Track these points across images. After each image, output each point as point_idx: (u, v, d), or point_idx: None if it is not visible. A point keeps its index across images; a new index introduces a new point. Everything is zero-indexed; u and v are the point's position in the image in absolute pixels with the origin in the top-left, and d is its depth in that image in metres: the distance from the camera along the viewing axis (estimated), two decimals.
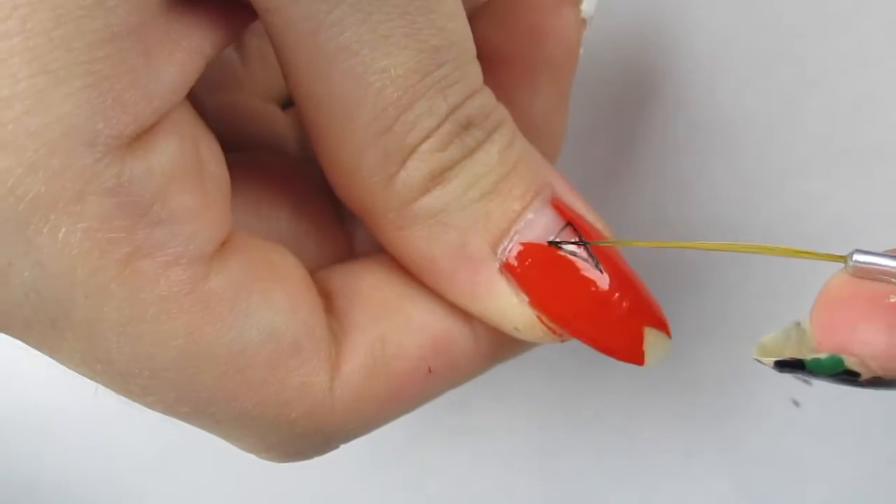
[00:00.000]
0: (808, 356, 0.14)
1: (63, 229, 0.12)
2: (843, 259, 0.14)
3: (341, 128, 0.14)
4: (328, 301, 0.16)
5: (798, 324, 0.15)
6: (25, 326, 0.13)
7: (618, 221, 0.26)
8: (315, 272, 0.16)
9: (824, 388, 0.28)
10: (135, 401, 0.14)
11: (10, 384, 0.29)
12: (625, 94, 0.26)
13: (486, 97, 0.15)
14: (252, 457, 0.16)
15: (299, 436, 0.15)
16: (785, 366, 0.14)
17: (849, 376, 0.13)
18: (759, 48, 0.25)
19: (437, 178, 0.15)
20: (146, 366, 0.13)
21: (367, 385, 0.15)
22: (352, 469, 0.29)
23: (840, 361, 0.13)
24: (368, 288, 0.16)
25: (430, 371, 0.16)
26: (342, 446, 0.17)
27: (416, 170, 0.14)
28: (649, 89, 0.26)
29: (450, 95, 0.14)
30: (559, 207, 0.16)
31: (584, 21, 0.18)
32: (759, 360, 0.14)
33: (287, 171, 0.18)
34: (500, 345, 0.17)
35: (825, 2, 0.25)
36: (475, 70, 0.15)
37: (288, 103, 0.21)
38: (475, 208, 0.15)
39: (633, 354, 0.16)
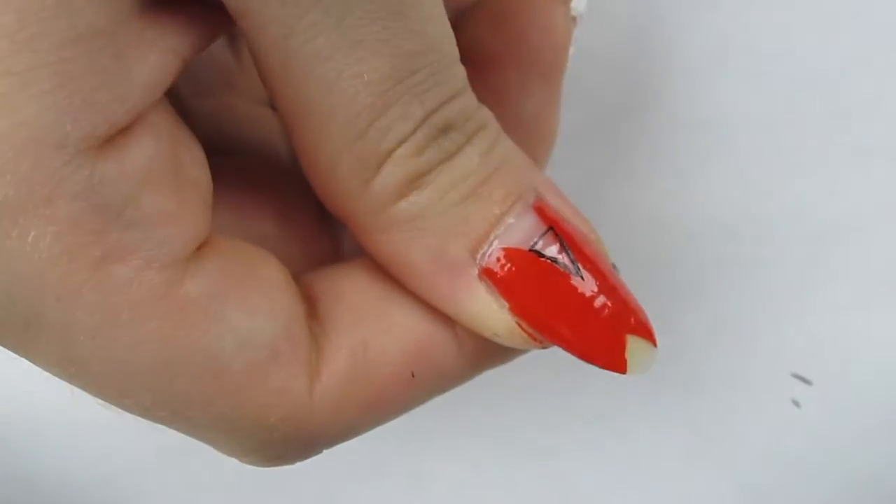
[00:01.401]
0: None
1: (32, 233, 0.12)
2: None
3: (317, 133, 0.14)
4: (311, 304, 0.16)
5: None
6: (2, 329, 0.13)
7: (616, 222, 0.26)
8: (300, 276, 0.16)
9: (824, 389, 0.28)
10: (111, 404, 0.14)
11: (8, 384, 0.29)
12: (624, 95, 0.26)
13: (467, 100, 0.15)
14: None
15: (279, 440, 0.15)
16: None
17: None
18: (759, 48, 0.25)
19: (413, 182, 0.14)
20: (120, 370, 0.13)
21: (347, 390, 0.15)
22: (350, 470, 0.29)
23: None
24: (352, 291, 0.16)
25: (412, 376, 0.16)
26: (341, 446, 0.17)
27: (391, 175, 0.14)
28: (648, 90, 0.26)
29: (426, 100, 0.14)
30: (542, 211, 0.15)
31: (574, 19, 0.18)
32: None
33: (273, 174, 0.18)
34: (484, 352, 0.16)
35: (825, 2, 0.25)
36: (456, 73, 0.14)
37: None
38: (453, 213, 0.15)
39: (614, 362, 0.15)
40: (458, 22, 0.18)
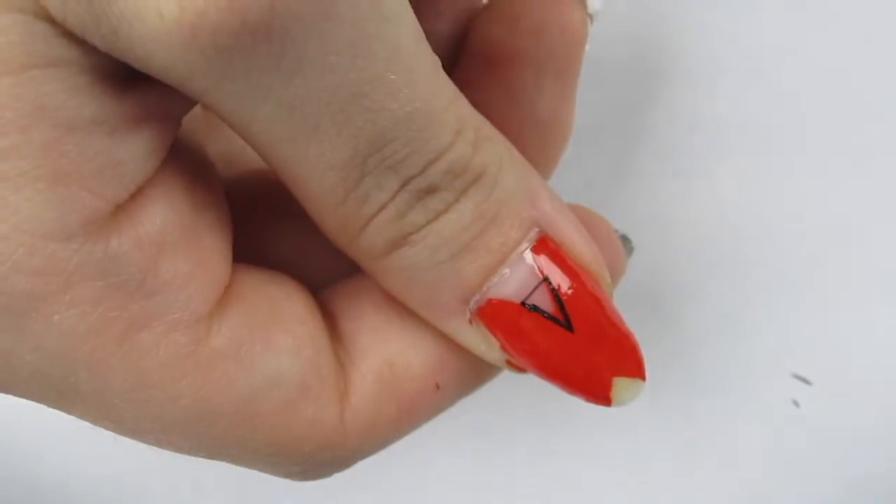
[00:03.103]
0: None
1: (56, 316, 0.12)
2: None
3: (300, 195, 0.14)
4: (332, 324, 0.16)
5: None
6: (39, 397, 0.13)
7: (617, 222, 0.26)
8: (320, 289, 0.16)
9: (824, 388, 0.28)
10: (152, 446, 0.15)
11: None
12: (624, 95, 0.26)
13: (458, 152, 0.14)
14: None
15: (315, 464, 0.15)
16: None
17: None
18: (759, 48, 0.25)
19: (399, 242, 0.14)
20: (156, 425, 0.14)
21: (377, 410, 0.15)
22: (351, 470, 0.29)
23: None
24: (372, 308, 0.16)
25: (437, 387, 0.16)
26: None
27: (377, 236, 0.14)
28: (649, 90, 0.26)
29: (402, 169, 0.13)
30: (545, 244, 0.15)
31: (589, 17, 0.18)
32: None
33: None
34: None
35: (825, 2, 0.25)
36: (439, 131, 0.13)
37: None
38: (443, 269, 0.14)
39: (599, 399, 0.16)
40: (473, 20, 0.18)
